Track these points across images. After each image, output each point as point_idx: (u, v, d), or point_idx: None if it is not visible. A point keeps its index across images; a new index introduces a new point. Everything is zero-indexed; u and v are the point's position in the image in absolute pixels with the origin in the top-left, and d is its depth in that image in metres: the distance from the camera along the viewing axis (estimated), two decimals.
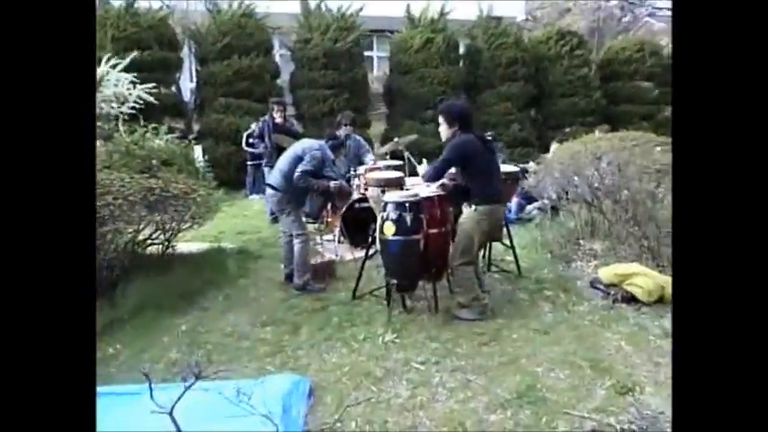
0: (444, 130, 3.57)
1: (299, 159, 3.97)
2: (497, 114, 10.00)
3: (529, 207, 6.09)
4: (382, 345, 3.18)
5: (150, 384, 1.65)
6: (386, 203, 3.53)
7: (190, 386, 1.71)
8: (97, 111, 5.26)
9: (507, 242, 4.48)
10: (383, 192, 3.77)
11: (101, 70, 5.63)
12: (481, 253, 4.47)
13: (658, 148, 5.04)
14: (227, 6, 9.47)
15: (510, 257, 4.60)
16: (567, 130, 9.19)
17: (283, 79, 10.24)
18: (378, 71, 13.91)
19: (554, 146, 7.88)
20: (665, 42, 14.42)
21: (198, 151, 7.31)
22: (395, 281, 3.51)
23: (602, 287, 3.90)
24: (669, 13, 18.56)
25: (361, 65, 9.96)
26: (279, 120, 6.45)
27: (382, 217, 3.52)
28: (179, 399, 1.67)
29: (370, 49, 15.99)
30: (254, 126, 7.54)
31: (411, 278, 3.56)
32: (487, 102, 10.18)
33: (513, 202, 6.05)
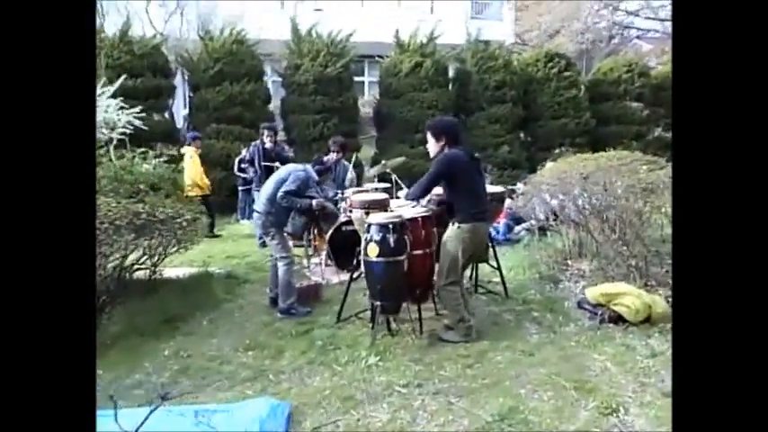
0: (432, 146, 3.57)
1: (282, 182, 3.99)
2: (487, 136, 10.10)
3: (517, 228, 6.10)
4: (365, 368, 3.14)
5: (116, 407, 1.63)
6: (369, 225, 3.53)
7: (154, 409, 1.69)
8: None
9: (494, 263, 4.47)
10: (367, 213, 3.77)
11: None
12: (468, 274, 4.48)
13: (644, 167, 5.08)
14: (218, 33, 9.64)
15: (497, 279, 4.59)
16: (557, 151, 9.28)
17: (275, 105, 10.38)
18: (369, 96, 14.14)
19: (549, 165, 7.95)
20: (654, 63, 14.71)
21: None
22: (379, 303, 3.49)
23: (589, 307, 3.88)
24: (657, 34, 18.99)
25: (351, 90, 10.09)
26: (269, 145, 6.51)
27: (366, 239, 3.52)
28: (143, 422, 1.65)
29: (362, 74, 16.31)
30: (245, 151, 7.59)
31: (395, 300, 3.54)
32: (477, 124, 10.30)
33: (502, 223, 6.08)
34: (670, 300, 3.88)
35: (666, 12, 16.53)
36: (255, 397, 2.78)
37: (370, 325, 3.65)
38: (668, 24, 17.61)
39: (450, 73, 10.79)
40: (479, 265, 4.49)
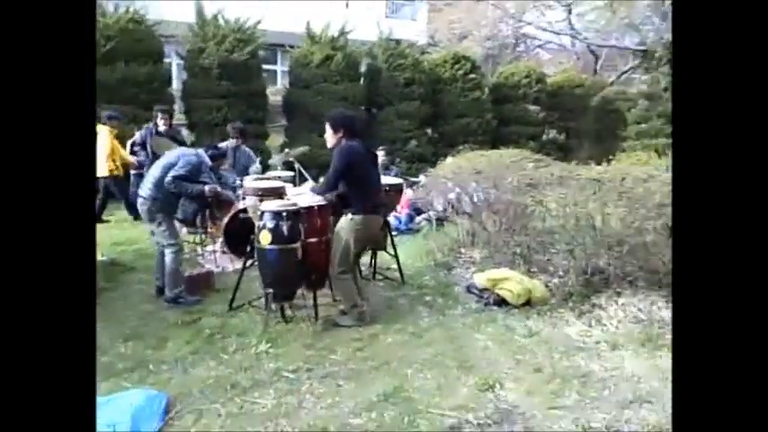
0: (329, 137, 3.59)
1: (171, 166, 3.79)
2: (396, 131, 10.33)
3: (418, 218, 6.32)
4: (254, 355, 3.08)
5: None
6: (263, 212, 3.47)
7: None
8: None
9: (392, 251, 4.58)
10: (261, 201, 3.69)
11: None
12: (367, 261, 4.56)
13: (531, 164, 5.48)
14: (113, 10, 8.92)
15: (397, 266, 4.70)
16: (461, 148, 9.71)
17: (177, 88, 9.83)
18: (281, 85, 13.84)
19: (449, 160, 8.33)
20: (551, 72, 15.90)
21: None
22: (272, 290, 3.43)
23: (476, 291, 4.11)
24: (557, 46, 20.51)
25: (260, 77, 9.81)
26: (163, 128, 6.14)
27: (259, 226, 3.46)
28: None
29: (275, 62, 15.92)
30: (137, 134, 7.10)
31: (288, 287, 3.50)
32: (387, 119, 10.49)
33: (404, 213, 6.26)
34: (548, 284, 4.23)
35: (561, 26, 17.93)
36: (131, 388, 2.62)
37: (265, 313, 3.59)
38: (563, 37, 19.10)
39: (362, 68, 10.87)
40: (379, 252, 4.58)
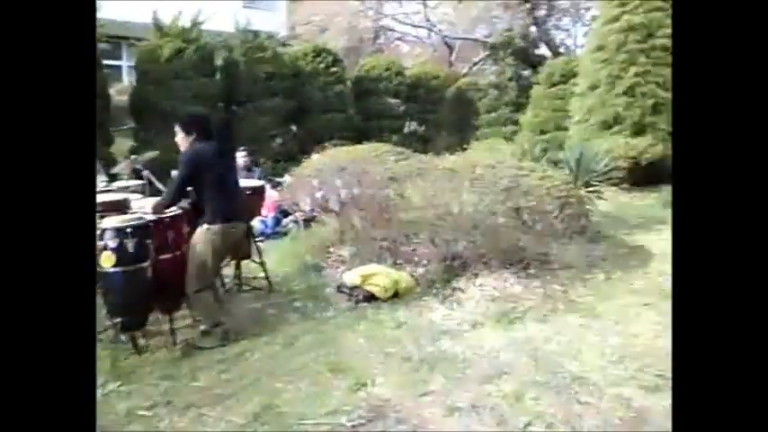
0: (181, 140, 3.39)
1: None
2: (259, 129, 9.95)
3: (285, 220, 6.18)
4: (102, 398, 2.75)
5: None
6: (103, 230, 3.10)
7: None
8: None
9: (258, 258, 4.41)
10: (101, 218, 3.29)
11: None
12: (232, 272, 4.34)
13: (392, 158, 5.65)
14: None
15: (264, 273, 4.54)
16: (326, 144, 9.67)
17: None
18: (127, 82, 12.57)
19: (314, 157, 8.24)
20: (410, 64, 16.55)
21: None
22: (120, 319, 3.09)
23: (346, 290, 4.14)
24: (414, 38, 21.40)
25: (101, 74, 8.77)
26: None
27: (99, 247, 3.08)
28: None
29: (119, 57, 14.40)
30: None
31: (139, 314, 3.19)
32: (248, 116, 10.07)
33: (270, 216, 6.08)
34: (414, 274, 4.41)
35: (419, 18, 18.75)
36: None
37: (113, 346, 3.22)
38: (419, 30, 20.02)
39: (218, 62, 10.27)
40: (243, 261, 4.38)
